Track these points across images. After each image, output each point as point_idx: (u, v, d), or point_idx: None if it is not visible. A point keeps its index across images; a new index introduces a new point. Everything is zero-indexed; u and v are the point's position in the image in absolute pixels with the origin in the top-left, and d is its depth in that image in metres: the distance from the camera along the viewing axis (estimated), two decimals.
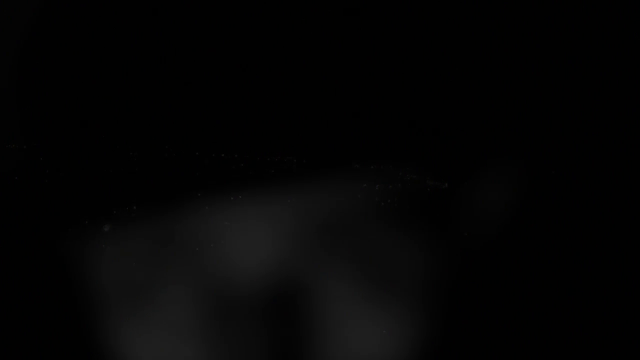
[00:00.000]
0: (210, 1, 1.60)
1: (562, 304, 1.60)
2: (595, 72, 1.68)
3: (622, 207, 1.65)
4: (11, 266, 1.54)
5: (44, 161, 1.61)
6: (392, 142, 1.63)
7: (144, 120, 1.63)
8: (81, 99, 1.64)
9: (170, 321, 1.53)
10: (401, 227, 1.58)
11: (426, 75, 1.63)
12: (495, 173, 1.65)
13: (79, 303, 1.53)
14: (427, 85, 1.63)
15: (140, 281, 1.55)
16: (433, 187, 1.63)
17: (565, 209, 1.65)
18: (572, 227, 1.65)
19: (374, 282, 1.55)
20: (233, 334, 1.48)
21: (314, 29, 1.59)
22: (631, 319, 1.58)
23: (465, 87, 1.64)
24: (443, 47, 1.62)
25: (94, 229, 1.56)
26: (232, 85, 1.62)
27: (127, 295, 1.54)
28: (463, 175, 1.64)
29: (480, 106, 1.65)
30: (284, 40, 1.59)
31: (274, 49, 1.60)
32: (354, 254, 1.55)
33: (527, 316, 1.59)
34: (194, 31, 1.61)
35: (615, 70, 1.68)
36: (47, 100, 1.64)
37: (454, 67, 1.63)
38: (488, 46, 1.63)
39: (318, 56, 1.60)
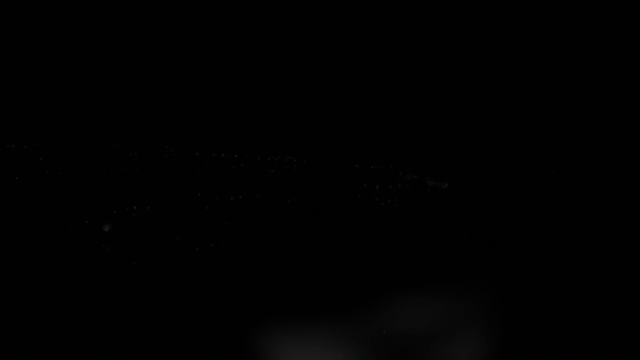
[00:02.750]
0: (210, 2, 1.60)
1: (565, 304, 1.61)
2: (594, 73, 1.68)
3: (622, 207, 1.65)
4: (11, 266, 1.54)
5: (44, 161, 1.61)
6: (392, 143, 1.63)
7: (144, 120, 1.63)
8: (81, 99, 1.64)
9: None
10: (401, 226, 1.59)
11: (426, 77, 1.63)
12: (495, 173, 1.65)
13: (79, 302, 1.53)
14: (427, 87, 1.63)
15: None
16: (433, 187, 1.63)
17: (565, 208, 1.65)
18: (572, 226, 1.65)
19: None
20: None
21: (314, 30, 1.59)
22: (632, 319, 1.58)
23: (465, 89, 1.64)
24: (443, 49, 1.62)
25: (94, 229, 1.56)
26: (232, 85, 1.62)
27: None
28: (463, 175, 1.64)
29: (479, 107, 1.65)
30: (285, 41, 1.59)
31: (275, 50, 1.60)
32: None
33: (531, 316, 1.59)
34: (194, 32, 1.61)
35: (615, 71, 1.68)
36: (46, 100, 1.64)
37: (454, 68, 1.63)
38: (487, 48, 1.64)
39: (318, 57, 1.60)
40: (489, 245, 1.62)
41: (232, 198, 1.57)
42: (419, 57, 1.62)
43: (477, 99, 1.64)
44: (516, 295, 1.60)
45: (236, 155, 1.60)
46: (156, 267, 1.55)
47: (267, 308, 1.52)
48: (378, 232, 1.58)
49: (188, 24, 1.61)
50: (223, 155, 1.60)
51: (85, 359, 1.49)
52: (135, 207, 1.57)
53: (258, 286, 1.54)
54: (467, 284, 1.60)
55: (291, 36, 1.59)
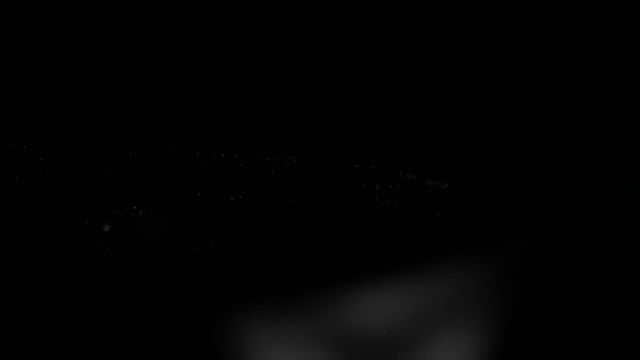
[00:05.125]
0: (210, 2, 1.60)
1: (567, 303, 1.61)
2: (593, 73, 1.68)
3: (622, 207, 1.65)
4: (11, 266, 1.54)
5: (44, 161, 1.61)
6: (392, 143, 1.63)
7: (144, 120, 1.63)
8: (81, 99, 1.64)
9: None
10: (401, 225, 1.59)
11: (426, 77, 1.63)
12: (496, 174, 1.65)
13: (79, 302, 1.53)
14: (427, 87, 1.63)
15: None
16: (433, 187, 1.63)
17: (565, 208, 1.65)
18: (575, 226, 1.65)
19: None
20: None
21: (314, 30, 1.59)
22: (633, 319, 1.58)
23: (465, 89, 1.64)
24: (443, 49, 1.62)
25: (94, 229, 1.56)
26: (232, 86, 1.62)
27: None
28: (463, 175, 1.64)
29: (479, 107, 1.65)
30: (285, 41, 1.59)
31: (276, 51, 1.60)
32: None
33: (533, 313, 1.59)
34: (194, 32, 1.61)
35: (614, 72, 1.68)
36: (46, 100, 1.64)
37: (454, 68, 1.63)
38: (487, 48, 1.64)
39: (318, 57, 1.60)
40: (489, 245, 1.62)
41: (232, 198, 1.57)
42: (419, 57, 1.62)
43: (477, 99, 1.64)
44: (517, 296, 1.60)
45: (236, 155, 1.60)
46: (156, 267, 1.55)
47: (267, 308, 1.52)
48: (378, 232, 1.58)
49: (188, 23, 1.61)
50: (223, 155, 1.60)
51: (85, 359, 1.49)
52: (135, 207, 1.57)
53: (258, 286, 1.54)
54: (467, 284, 1.59)
55: (291, 36, 1.59)
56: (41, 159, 1.61)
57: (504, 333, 1.56)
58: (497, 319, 1.57)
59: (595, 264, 1.62)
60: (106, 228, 1.56)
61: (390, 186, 1.61)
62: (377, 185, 1.60)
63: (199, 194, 1.57)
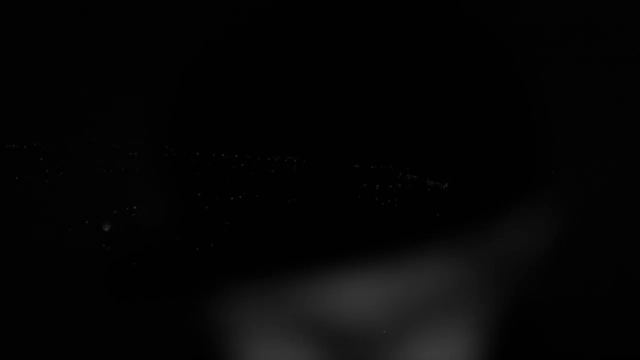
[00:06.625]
0: (210, 2, 1.60)
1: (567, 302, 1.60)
2: (594, 73, 1.68)
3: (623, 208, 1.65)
4: (11, 266, 1.54)
5: (44, 161, 1.61)
6: (392, 143, 1.63)
7: (144, 120, 1.63)
8: (81, 98, 1.64)
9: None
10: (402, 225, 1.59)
11: (426, 77, 1.63)
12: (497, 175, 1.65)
13: (79, 302, 1.53)
14: (427, 86, 1.63)
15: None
16: (433, 187, 1.63)
17: (566, 209, 1.65)
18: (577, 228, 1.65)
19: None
20: None
21: (314, 30, 1.59)
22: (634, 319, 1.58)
23: (464, 89, 1.64)
24: (443, 50, 1.62)
25: (94, 229, 1.56)
26: (231, 84, 1.62)
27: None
28: (463, 175, 1.64)
29: (479, 107, 1.65)
30: (286, 41, 1.59)
31: (276, 50, 1.60)
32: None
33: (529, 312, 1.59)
34: (194, 32, 1.61)
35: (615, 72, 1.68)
36: (47, 100, 1.64)
37: (454, 69, 1.63)
38: (487, 48, 1.64)
39: (318, 56, 1.60)
40: (489, 245, 1.62)
41: (232, 198, 1.57)
42: (418, 57, 1.62)
43: (476, 98, 1.64)
44: (517, 296, 1.60)
45: (236, 155, 1.60)
46: (156, 267, 1.55)
47: (268, 308, 1.52)
48: (378, 232, 1.58)
49: (187, 23, 1.61)
50: (223, 155, 1.60)
51: (85, 358, 1.49)
52: (135, 207, 1.57)
53: (259, 286, 1.54)
54: (467, 284, 1.60)
55: (291, 36, 1.59)
56: (41, 159, 1.61)
57: (503, 333, 1.56)
58: (497, 319, 1.57)
59: (595, 265, 1.62)
60: (106, 228, 1.56)
61: (390, 186, 1.61)
62: (377, 185, 1.60)
63: (199, 194, 1.58)
